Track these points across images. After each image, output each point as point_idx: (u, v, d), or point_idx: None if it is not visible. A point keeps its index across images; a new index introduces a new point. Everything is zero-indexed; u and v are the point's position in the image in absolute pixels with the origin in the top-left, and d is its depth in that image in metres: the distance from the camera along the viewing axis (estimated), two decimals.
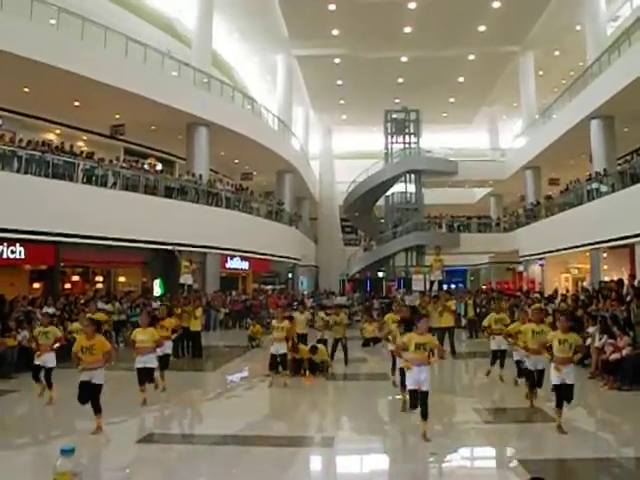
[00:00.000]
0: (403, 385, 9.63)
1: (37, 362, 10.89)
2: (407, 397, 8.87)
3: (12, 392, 11.67)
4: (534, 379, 9.97)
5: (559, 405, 8.43)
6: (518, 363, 11.13)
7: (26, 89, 20.66)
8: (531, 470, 6.70)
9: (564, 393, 8.42)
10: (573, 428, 8.52)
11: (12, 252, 17.82)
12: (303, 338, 15.05)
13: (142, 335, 10.47)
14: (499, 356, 12.33)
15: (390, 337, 10.95)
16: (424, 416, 8.24)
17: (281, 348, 12.56)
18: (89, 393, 8.68)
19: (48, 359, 10.83)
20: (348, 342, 15.43)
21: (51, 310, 15.97)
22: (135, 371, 10.46)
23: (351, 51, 32.02)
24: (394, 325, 10.86)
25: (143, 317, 11.13)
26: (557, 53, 32.45)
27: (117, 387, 10.82)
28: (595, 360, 12.65)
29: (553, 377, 8.53)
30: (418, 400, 8.32)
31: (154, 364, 10.65)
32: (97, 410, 8.71)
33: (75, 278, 24.35)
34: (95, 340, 8.81)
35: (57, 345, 11.03)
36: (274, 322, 12.97)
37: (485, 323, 12.66)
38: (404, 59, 33.16)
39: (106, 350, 8.93)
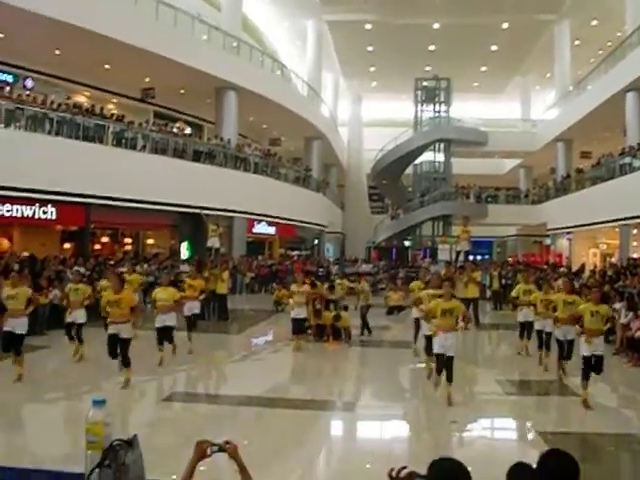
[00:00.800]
0: (428, 351, 9.72)
1: (69, 320, 11.12)
2: (432, 365, 8.96)
3: (44, 348, 11.97)
4: (564, 349, 9.93)
5: (586, 377, 8.43)
6: (540, 333, 11.07)
7: (57, 51, 20.77)
8: (550, 442, 6.78)
9: (594, 365, 8.44)
10: (595, 403, 8.54)
11: (44, 212, 18.10)
12: (335, 304, 15.19)
13: (162, 294, 10.70)
14: (527, 328, 12.13)
15: (418, 304, 10.96)
16: (449, 379, 8.37)
17: (301, 312, 12.73)
18: (117, 346, 8.93)
19: (79, 315, 11.05)
20: (372, 310, 15.49)
21: (82, 270, 16.26)
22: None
23: (382, 17, 31.55)
24: (424, 292, 10.80)
25: (164, 277, 11.36)
26: (594, 23, 31.67)
27: (146, 346, 11.02)
28: (620, 336, 12.60)
29: (583, 349, 8.51)
30: (443, 364, 8.42)
31: (173, 322, 10.84)
32: (126, 364, 8.97)
33: (105, 239, 24.64)
34: (122, 295, 9.07)
35: (87, 302, 11.25)
36: (294, 287, 13.10)
37: (514, 294, 12.55)
38: (436, 26, 32.62)
39: (133, 304, 9.14)
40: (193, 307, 12.34)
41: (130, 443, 2.13)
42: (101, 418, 2.15)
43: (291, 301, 13.40)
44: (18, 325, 9.28)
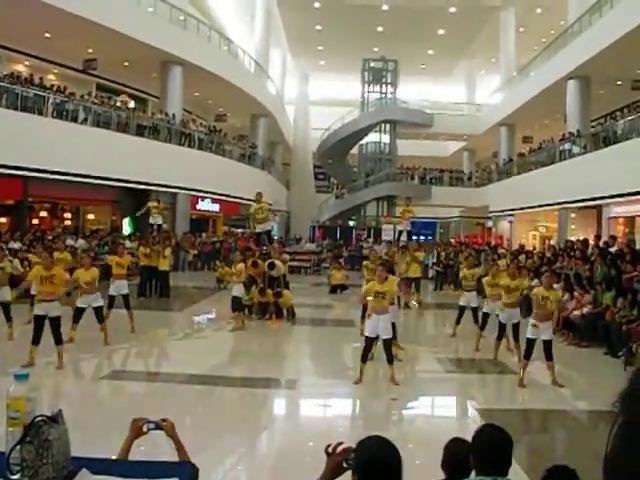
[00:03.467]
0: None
1: None
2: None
3: None
4: (504, 331, 10.14)
5: (527, 357, 8.62)
6: (485, 316, 11.13)
7: None
8: (488, 419, 6.89)
9: (544, 351, 8.63)
10: (531, 381, 8.76)
11: None
12: (286, 284, 15.13)
13: (85, 275, 10.21)
14: (473, 314, 12.01)
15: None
16: (389, 361, 8.46)
17: (236, 291, 12.75)
18: (42, 330, 8.63)
19: (4, 293, 10.70)
20: (317, 288, 15.53)
21: (17, 245, 15.83)
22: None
23: None
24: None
25: (85, 258, 11.03)
26: (539, 10, 32.10)
27: (80, 325, 10.79)
28: (557, 316, 12.90)
29: (529, 332, 8.70)
30: (370, 350, 8.51)
31: (100, 302, 10.43)
32: (58, 341, 8.71)
33: (43, 214, 24.02)
34: (54, 270, 8.78)
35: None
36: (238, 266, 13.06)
37: (461, 275, 12.65)
38: (385, 7, 32.59)
39: (66, 279, 8.93)
40: (121, 286, 11.67)
41: (54, 419, 2.05)
42: (24, 393, 2.06)
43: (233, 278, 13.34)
44: None
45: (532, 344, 8.61)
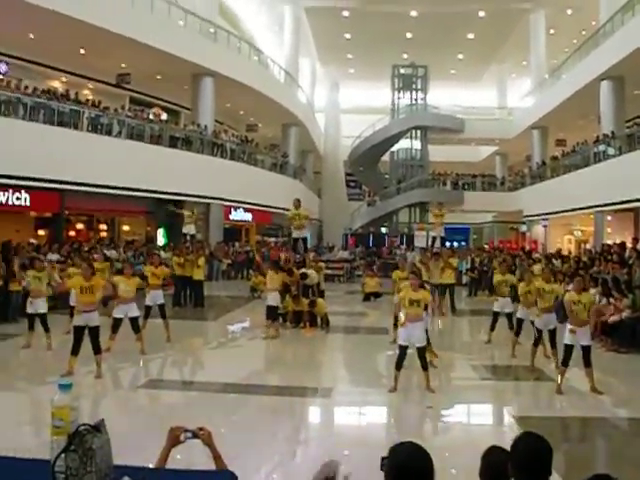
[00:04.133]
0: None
1: (30, 310, 10.93)
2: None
3: (17, 336, 11.81)
4: (540, 337, 9.98)
5: (565, 364, 8.50)
6: (520, 322, 10.88)
7: (31, 35, 20.42)
8: (525, 426, 6.83)
9: (583, 357, 8.47)
10: (569, 388, 8.64)
11: (17, 199, 17.87)
12: (321, 292, 15.14)
13: (124, 284, 10.37)
14: (508, 320, 11.83)
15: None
16: (424, 368, 8.44)
17: (271, 300, 12.75)
18: (82, 341, 8.75)
19: (40, 305, 10.88)
20: (351, 296, 15.51)
21: (55, 257, 16.09)
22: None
23: (360, 4, 31.47)
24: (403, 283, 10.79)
25: (127, 266, 11.13)
26: (569, 12, 31.81)
27: (121, 334, 10.94)
28: (594, 322, 12.73)
29: (566, 338, 8.57)
30: (405, 358, 8.47)
31: (136, 313, 10.56)
32: (97, 351, 8.84)
33: (79, 226, 24.40)
34: (93, 281, 8.92)
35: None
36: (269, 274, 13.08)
37: (495, 281, 12.48)
38: (413, 14, 32.59)
39: (103, 284, 9.16)
40: (157, 296, 11.82)
41: (97, 428, 2.10)
42: (67, 402, 2.11)
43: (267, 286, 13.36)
44: None
45: (570, 350, 8.48)
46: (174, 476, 2.31)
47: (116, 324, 10.39)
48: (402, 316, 8.96)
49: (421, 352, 8.50)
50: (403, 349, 8.52)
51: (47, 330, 10.80)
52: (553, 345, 9.85)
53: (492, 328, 12.20)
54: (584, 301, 8.58)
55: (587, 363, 8.49)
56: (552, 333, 9.89)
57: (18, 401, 8.15)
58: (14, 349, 10.98)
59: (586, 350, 8.47)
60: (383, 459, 2.38)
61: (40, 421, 6.58)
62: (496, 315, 12.12)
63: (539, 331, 9.92)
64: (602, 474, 2.50)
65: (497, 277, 12.32)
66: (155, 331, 11.51)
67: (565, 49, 33.23)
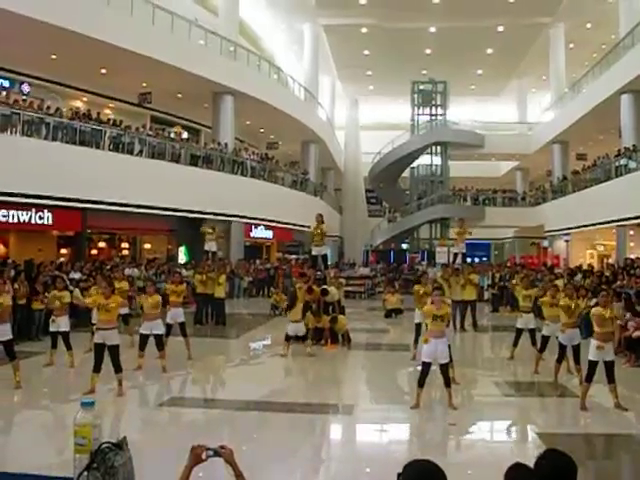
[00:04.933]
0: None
1: (52, 328, 11.07)
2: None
3: (39, 354, 11.90)
4: (564, 353, 9.87)
5: (589, 380, 8.40)
6: (546, 338, 10.60)
7: (53, 56, 20.70)
8: (549, 443, 6.76)
9: (606, 372, 8.36)
10: (593, 404, 8.53)
11: (40, 218, 18.08)
12: (342, 309, 15.11)
13: (147, 302, 10.58)
14: (531, 336, 11.69)
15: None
16: (447, 384, 8.38)
17: (292, 330, 12.60)
18: (103, 357, 8.83)
19: (62, 323, 11.00)
20: (370, 313, 15.46)
21: (77, 275, 16.21)
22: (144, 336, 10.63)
23: (378, 21, 31.58)
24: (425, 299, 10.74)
25: (149, 286, 11.22)
26: (589, 26, 31.74)
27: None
28: (617, 337, 12.58)
29: (591, 354, 8.45)
30: (428, 374, 8.41)
31: (161, 330, 10.71)
32: (118, 369, 8.86)
33: (101, 244, 24.61)
34: (112, 299, 8.96)
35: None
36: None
37: (518, 296, 12.32)
38: (432, 30, 32.69)
39: (121, 301, 9.28)
40: (177, 314, 11.89)
41: (119, 445, 2.11)
42: (90, 420, 2.13)
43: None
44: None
45: (594, 366, 8.37)
46: None
47: (143, 341, 10.51)
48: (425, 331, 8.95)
49: (444, 368, 8.44)
50: (426, 365, 8.46)
51: (69, 348, 10.89)
52: (577, 361, 9.74)
53: (515, 344, 12.05)
54: (610, 315, 8.49)
55: (611, 379, 8.38)
56: (576, 349, 9.78)
57: (41, 419, 8.20)
58: (37, 367, 11.04)
59: (610, 365, 8.37)
60: (399, 475, 2.38)
61: (63, 439, 6.60)
62: (519, 331, 11.98)
63: (563, 347, 9.82)
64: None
65: (521, 292, 12.22)
66: (176, 349, 11.55)
67: (585, 63, 33.14)
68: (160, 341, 10.62)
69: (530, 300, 11.88)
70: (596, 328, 8.52)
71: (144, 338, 10.51)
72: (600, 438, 7.57)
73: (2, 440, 7.13)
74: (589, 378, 8.39)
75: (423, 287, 12.10)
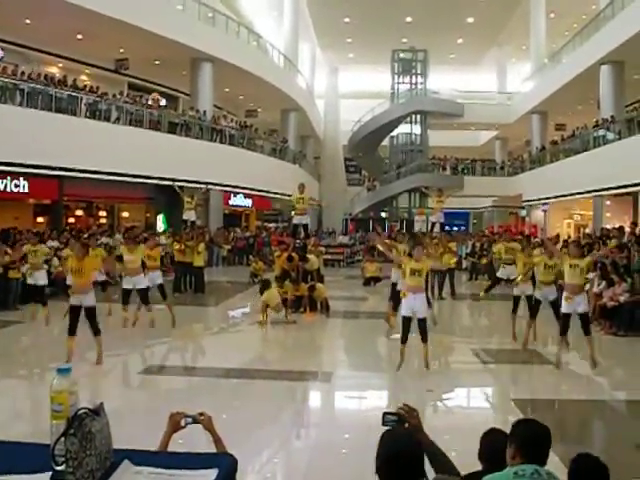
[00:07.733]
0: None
1: (30, 281, 10.98)
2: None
3: (17, 323, 11.85)
4: (537, 310, 9.92)
5: (563, 333, 8.52)
6: (538, 303, 10.10)
7: (27, 21, 20.29)
8: (525, 409, 6.88)
9: (582, 325, 8.52)
10: (568, 371, 8.69)
11: (15, 186, 17.88)
12: (321, 277, 15.17)
13: (129, 254, 10.45)
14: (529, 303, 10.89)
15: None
16: (424, 340, 8.44)
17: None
18: (78, 320, 8.62)
19: (39, 277, 10.91)
20: (349, 281, 15.53)
21: (54, 244, 16.07)
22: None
23: None
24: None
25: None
26: None
27: (118, 320, 10.98)
28: (593, 305, 12.75)
29: (563, 306, 8.60)
30: (409, 330, 8.49)
31: (144, 284, 10.64)
32: (96, 332, 8.68)
33: (79, 213, 24.42)
34: (85, 262, 8.62)
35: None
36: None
37: (495, 250, 12.24)
38: None
39: (96, 266, 9.08)
40: (155, 277, 11.66)
41: (96, 412, 2.10)
42: (66, 387, 2.11)
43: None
44: None
45: (567, 318, 8.54)
46: (176, 458, 2.32)
47: (125, 294, 10.43)
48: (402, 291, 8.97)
49: (422, 323, 8.50)
50: (407, 319, 8.52)
51: (45, 304, 10.82)
52: (558, 315, 9.44)
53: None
54: (581, 265, 8.56)
55: (586, 331, 8.52)
56: (554, 305, 9.71)
57: (20, 388, 8.18)
58: (15, 336, 11.00)
59: (584, 317, 8.50)
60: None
61: (42, 409, 6.61)
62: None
63: (538, 302, 9.90)
64: (584, 453, 2.53)
65: (500, 246, 12.14)
66: (156, 316, 11.48)
67: (565, 33, 33.06)
68: (145, 295, 10.59)
69: (513, 252, 11.85)
70: (566, 279, 8.60)
71: (126, 292, 10.46)
72: (575, 404, 7.69)
73: None
74: (563, 331, 8.55)
75: (399, 243, 11.98)
